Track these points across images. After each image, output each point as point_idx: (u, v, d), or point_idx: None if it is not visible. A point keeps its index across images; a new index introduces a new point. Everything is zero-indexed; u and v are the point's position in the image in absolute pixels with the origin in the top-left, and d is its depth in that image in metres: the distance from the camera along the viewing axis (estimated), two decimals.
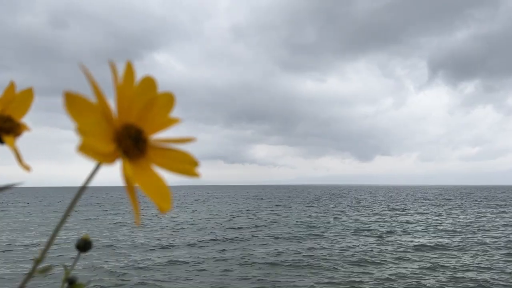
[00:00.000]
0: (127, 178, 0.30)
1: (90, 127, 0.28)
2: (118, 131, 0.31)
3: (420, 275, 6.86)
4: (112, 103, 0.32)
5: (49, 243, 0.34)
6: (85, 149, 0.27)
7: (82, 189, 0.33)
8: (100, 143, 0.29)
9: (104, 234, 12.43)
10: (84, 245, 0.40)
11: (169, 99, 0.35)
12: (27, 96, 0.35)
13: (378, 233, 12.14)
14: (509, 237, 11.22)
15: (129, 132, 0.32)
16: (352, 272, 7.19)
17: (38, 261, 0.34)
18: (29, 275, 0.34)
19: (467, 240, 10.75)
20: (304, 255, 8.60)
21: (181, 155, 0.35)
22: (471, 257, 8.43)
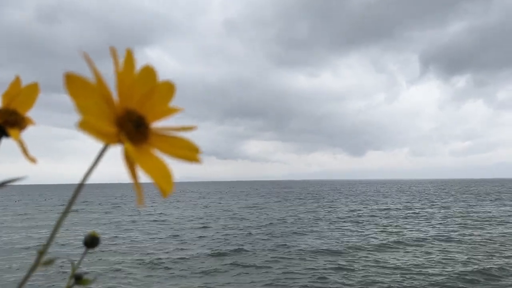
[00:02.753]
0: (129, 159, 0.31)
1: (90, 106, 0.29)
2: (120, 115, 0.32)
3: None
4: (113, 91, 0.32)
5: (52, 236, 0.34)
6: (85, 126, 0.27)
7: (81, 185, 0.33)
8: (101, 123, 0.29)
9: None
10: (91, 241, 0.40)
11: (169, 88, 0.35)
12: (32, 90, 0.36)
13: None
14: None
15: (130, 117, 0.32)
16: None
17: (41, 253, 0.34)
18: (33, 267, 0.33)
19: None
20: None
21: (183, 142, 0.35)
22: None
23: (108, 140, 0.30)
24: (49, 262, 0.34)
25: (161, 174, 0.32)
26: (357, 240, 10.53)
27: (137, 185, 0.31)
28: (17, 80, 0.36)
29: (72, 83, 0.29)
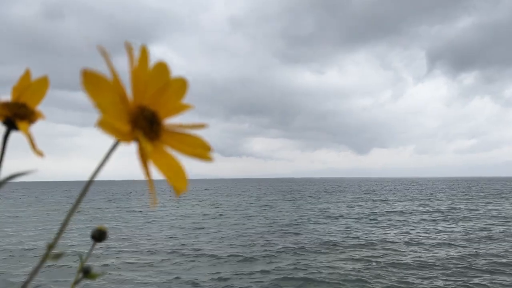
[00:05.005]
0: (143, 157, 0.31)
1: (109, 104, 0.29)
2: (133, 113, 0.32)
3: None
4: (126, 87, 0.32)
5: (62, 230, 0.34)
6: (104, 125, 0.27)
7: (90, 182, 0.33)
8: (118, 121, 0.29)
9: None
10: (99, 235, 0.40)
11: (181, 85, 0.35)
12: (43, 84, 0.36)
13: None
14: None
15: (144, 114, 0.32)
16: None
17: (50, 246, 0.34)
18: (42, 261, 0.33)
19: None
20: None
21: (194, 140, 0.35)
22: None
23: (125, 139, 0.30)
24: (58, 256, 0.34)
25: (175, 172, 0.32)
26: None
27: (151, 183, 0.31)
28: (27, 74, 0.35)
29: (89, 80, 0.28)
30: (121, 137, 0.29)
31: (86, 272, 0.37)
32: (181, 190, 0.32)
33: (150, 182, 0.31)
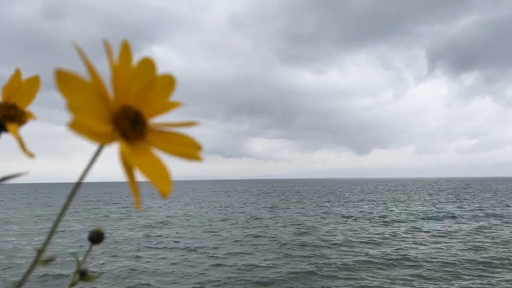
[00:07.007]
0: (124, 160, 0.29)
1: (83, 104, 0.27)
2: (115, 112, 0.30)
3: None
4: (108, 85, 0.31)
5: (51, 234, 0.33)
6: (76, 126, 0.26)
7: (79, 184, 0.32)
8: (94, 122, 0.28)
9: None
10: (96, 237, 0.39)
11: (169, 82, 0.34)
12: (33, 84, 0.35)
13: None
14: None
15: (126, 113, 0.30)
16: None
17: (40, 251, 0.33)
18: (33, 265, 0.33)
19: None
20: None
21: (183, 139, 0.33)
22: None
23: (103, 140, 0.28)
24: (49, 260, 0.34)
25: (159, 174, 0.30)
26: None
27: (133, 186, 0.29)
28: (17, 73, 0.35)
29: (63, 80, 0.27)
30: (97, 138, 0.28)
31: (83, 274, 0.36)
32: (166, 192, 0.30)
33: (132, 184, 0.30)
